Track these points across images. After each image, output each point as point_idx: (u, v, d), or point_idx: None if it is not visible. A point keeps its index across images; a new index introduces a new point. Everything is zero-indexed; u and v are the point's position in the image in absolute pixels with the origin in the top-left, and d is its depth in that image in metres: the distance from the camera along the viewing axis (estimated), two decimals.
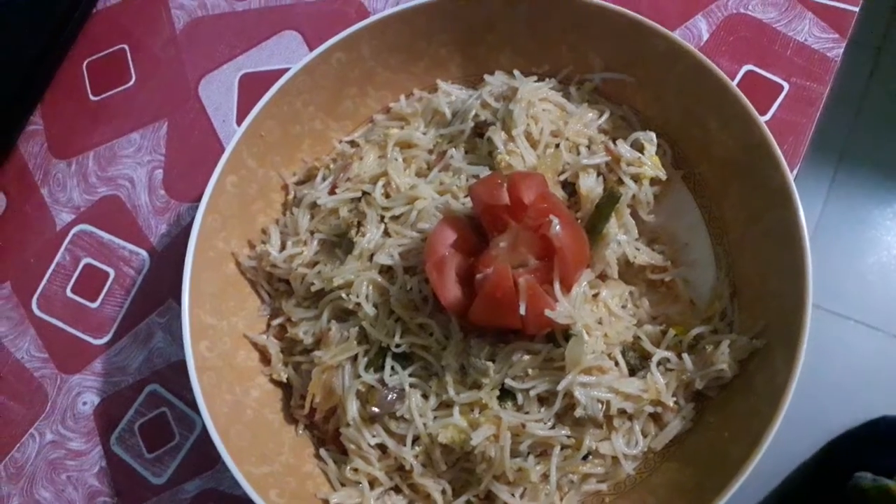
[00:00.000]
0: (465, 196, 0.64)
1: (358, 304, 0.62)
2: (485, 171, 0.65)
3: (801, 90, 0.73)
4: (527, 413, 0.59)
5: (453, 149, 0.67)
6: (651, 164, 0.62)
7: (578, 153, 0.65)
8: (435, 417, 0.60)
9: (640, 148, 0.63)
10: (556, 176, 0.64)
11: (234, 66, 0.83)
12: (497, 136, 0.64)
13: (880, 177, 1.72)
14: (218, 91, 0.83)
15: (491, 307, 0.56)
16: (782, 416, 0.54)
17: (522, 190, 0.57)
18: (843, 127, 1.76)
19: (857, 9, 0.75)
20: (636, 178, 0.62)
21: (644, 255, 0.64)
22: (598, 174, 0.64)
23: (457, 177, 0.65)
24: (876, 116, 1.76)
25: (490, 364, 0.59)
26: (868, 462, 1.21)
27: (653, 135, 0.64)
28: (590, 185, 0.63)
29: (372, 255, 0.63)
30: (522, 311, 0.55)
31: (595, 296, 0.62)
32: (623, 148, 0.63)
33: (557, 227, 0.55)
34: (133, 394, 0.74)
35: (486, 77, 0.69)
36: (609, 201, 0.62)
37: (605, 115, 0.67)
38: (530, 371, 0.59)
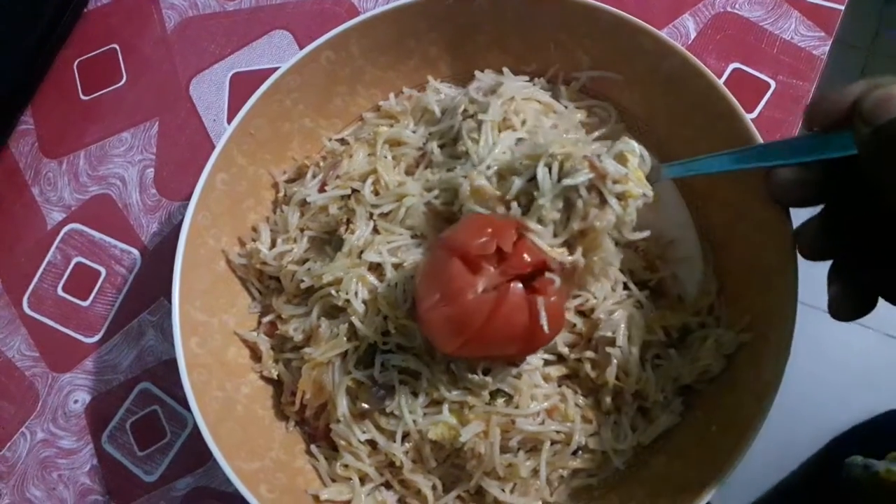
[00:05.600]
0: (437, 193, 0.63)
1: (347, 301, 0.62)
2: (458, 166, 0.63)
3: (787, 88, 0.74)
4: (517, 408, 0.59)
5: (433, 144, 0.66)
6: (636, 180, 0.56)
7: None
8: (425, 414, 0.60)
9: (623, 160, 0.57)
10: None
11: (224, 65, 0.84)
12: (465, 125, 0.64)
13: None
14: (209, 90, 0.83)
15: (496, 336, 0.53)
16: (770, 410, 0.54)
17: (505, 239, 0.53)
18: None
19: (842, 7, 0.75)
20: (621, 197, 0.56)
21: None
22: (578, 196, 0.57)
23: (438, 171, 0.65)
24: None
25: (488, 379, 0.59)
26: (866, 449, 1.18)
27: (634, 144, 0.57)
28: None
29: (361, 252, 0.63)
30: (545, 326, 0.52)
31: None
32: (609, 163, 0.56)
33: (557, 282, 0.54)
34: (124, 392, 0.75)
35: (476, 73, 0.69)
36: None
37: (586, 114, 0.67)
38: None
